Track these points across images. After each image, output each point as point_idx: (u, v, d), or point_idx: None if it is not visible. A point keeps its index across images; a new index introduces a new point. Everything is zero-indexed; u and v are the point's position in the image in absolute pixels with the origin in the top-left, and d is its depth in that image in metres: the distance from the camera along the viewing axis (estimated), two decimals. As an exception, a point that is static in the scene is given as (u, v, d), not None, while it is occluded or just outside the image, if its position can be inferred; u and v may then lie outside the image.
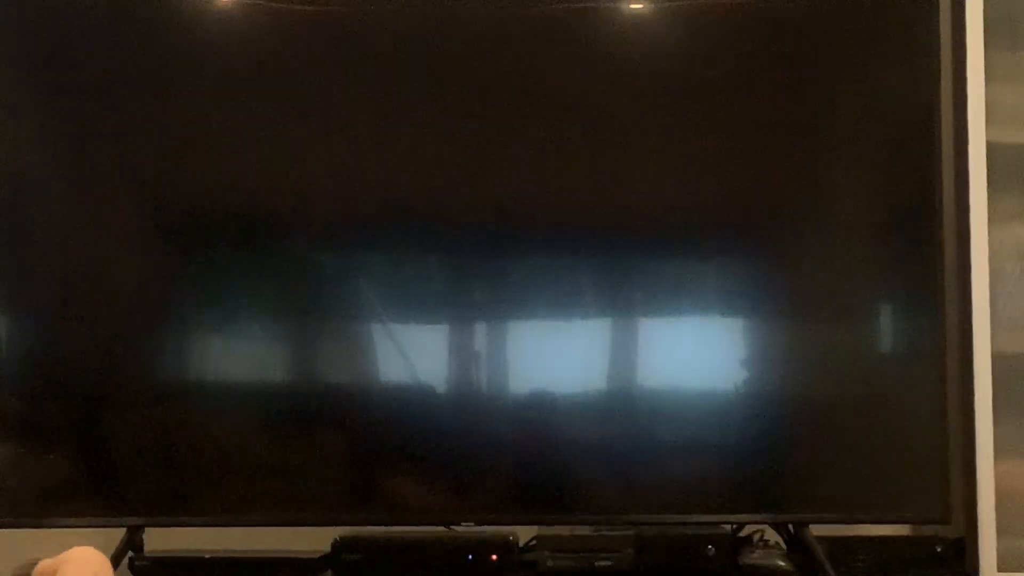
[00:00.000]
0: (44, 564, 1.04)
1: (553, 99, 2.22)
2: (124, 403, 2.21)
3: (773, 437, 2.18)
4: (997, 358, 2.16)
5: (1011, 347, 2.18)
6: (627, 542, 2.15)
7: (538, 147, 2.23)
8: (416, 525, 2.21)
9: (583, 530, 2.20)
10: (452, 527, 2.21)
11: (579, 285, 2.23)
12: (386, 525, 2.21)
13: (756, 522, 2.23)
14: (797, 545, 2.18)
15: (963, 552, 2.19)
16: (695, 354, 2.20)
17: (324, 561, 2.18)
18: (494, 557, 2.15)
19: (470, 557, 2.15)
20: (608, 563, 2.14)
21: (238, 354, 2.23)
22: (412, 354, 2.20)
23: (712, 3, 2.22)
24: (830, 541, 2.18)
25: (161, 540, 2.22)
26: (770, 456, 2.18)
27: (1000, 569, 2.14)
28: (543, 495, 2.19)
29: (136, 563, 2.16)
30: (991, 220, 2.16)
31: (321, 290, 2.22)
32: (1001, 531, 2.15)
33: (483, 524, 2.19)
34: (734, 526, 2.22)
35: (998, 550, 2.14)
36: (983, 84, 2.16)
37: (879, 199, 2.22)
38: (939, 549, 2.20)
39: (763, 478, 2.18)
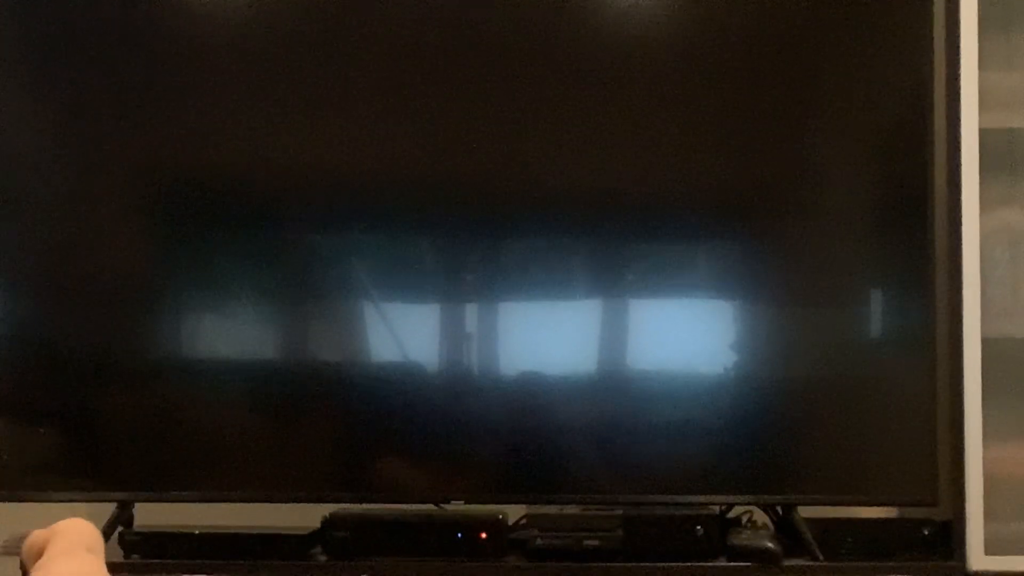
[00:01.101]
0: (35, 535, 1.04)
1: (546, 83, 2.22)
2: (116, 380, 2.22)
3: (763, 419, 2.19)
4: (987, 343, 2.16)
5: (1001, 332, 2.19)
6: (616, 522, 2.15)
7: (531, 129, 2.23)
8: (406, 503, 2.21)
9: (572, 509, 2.21)
10: (442, 505, 2.21)
11: (570, 267, 2.23)
12: (376, 503, 2.21)
13: (745, 503, 2.24)
14: (786, 526, 2.19)
15: (950, 535, 2.19)
16: (685, 337, 2.20)
17: (314, 538, 2.18)
18: (483, 535, 2.15)
19: (459, 535, 2.15)
20: (597, 542, 2.15)
21: (229, 332, 2.24)
22: (403, 334, 2.20)
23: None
24: (818, 523, 2.18)
25: (151, 515, 2.23)
26: (759, 438, 2.18)
27: (987, 553, 2.15)
28: (533, 475, 2.20)
29: (126, 538, 2.17)
30: (982, 205, 2.16)
31: (313, 270, 2.23)
32: (988, 515, 2.15)
33: (473, 503, 2.20)
34: (723, 507, 2.23)
35: (985, 534, 2.15)
36: (976, 70, 2.16)
37: (871, 184, 2.22)
38: (927, 532, 2.20)
39: (752, 460, 2.19)
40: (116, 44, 2.24)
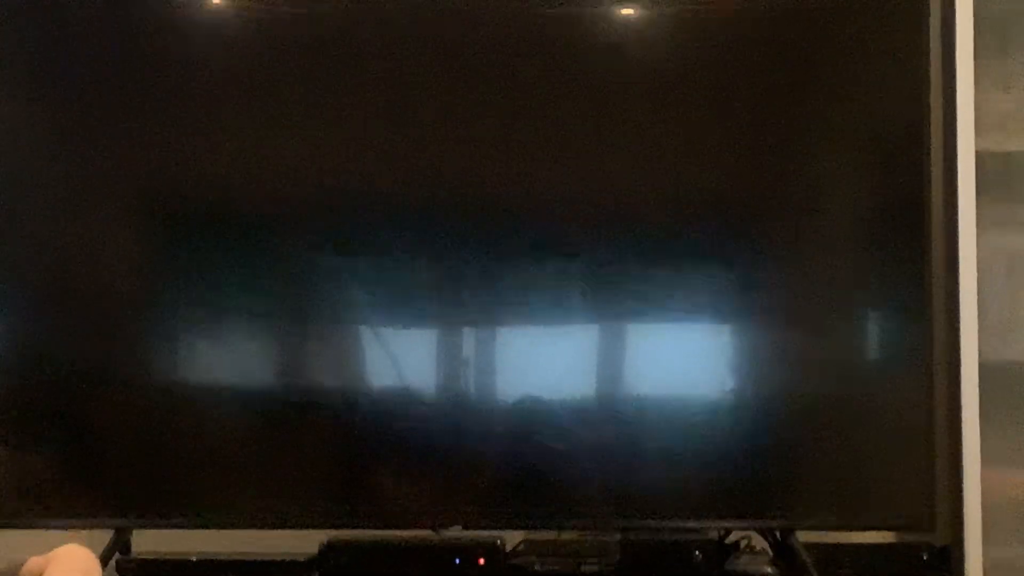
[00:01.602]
0: (32, 561, 1.04)
1: (542, 103, 2.22)
2: (112, 404, 2.21)
3: (761, 443, 2.17)
4: (984, 366, 2.15)
5: (998, 355, 2.19)
6: (614, 547, 2.15)
7: (528, 151, 2.23)
8: (404, 529, 2.21)
9: (570, 535, 2.20)
10: (439, 531, 2.21)
11: (568, 292, 2.22)
12: (374, 528, 2.21)
13: (743, 528, 2.23)
14: (784, 552, 2.18)
15: (949, 560, 2.19)
16: (683, 360, 2.20)
17: (312, 564, 2.18)
18: (481, 561, 2.15)
19: (457, 561, 2.15)
20: (595, 568, 2.15)
21: (227, 356, 2.23)
22: (401, 358, 2.20)
23: (700, 12, 2.22)
24: (817, 548, 2.17)
25: (149, 542, 2.22)
26: (757, 462, 2.17)
27: (986, 577, 2.15)
28: (530, 500, 2.19)
29: (123, 565, 2.16)
30: (979, 228, 2.16)
31: (311, 292, 2.22)
32: (987, 540, 2.14)
33: (470, 528, 2.19)
34: (721, 532, 2.22)
35: (984, 559, 2.14)
36: (972, 91, 2.16)
37: (868, 206, 2.21)
38: (925, 557, 2.20)
39: (750, 484, 2.18)
40: (114, 62, 2.24)
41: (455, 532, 2.19)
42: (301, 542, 2.20)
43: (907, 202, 2.16)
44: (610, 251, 2.21)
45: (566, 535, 2.20)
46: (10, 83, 2.26)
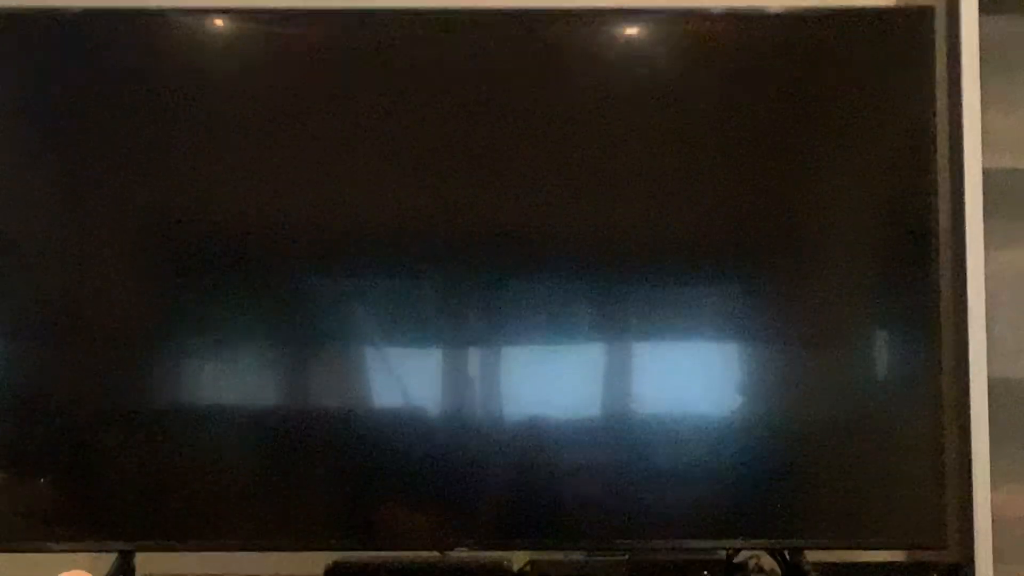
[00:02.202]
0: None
1: (548, 124, 2.22)
2: (115, 428, 2.21)
3: (769, 463, 2.17)
4: (993, 384, 2.15)
5: (1007, 372, 2.18)
6: (621, 568, 2.14)
7: (533, 172, 2.23)
8: (410, 550, 2.20)
9: (578, 556, 2.19)
10: (446, 553, 2.20)
11: (575, 311, 2.22)
12: (380, 550, 2.20)
13: (751, 547, 2.22)
14: (792, 571, 2.18)
15: (959, 578, 2.19)
16: (690, 380, 2.20)
17: (317, 586, 2.18)
18: (488, 582, 2.15)
19: (464, 582, 2.15)
20: (602, 588, 2.14)
21: (231, 379, 2.23)
22: (406, 379, 2.19)
23: (706, 32, 2.23)
24: (826, 567, 2.17)
25: (153, 564, 2.21)
26: (766, 482, 2.17)
27: (996, 596, 2.14)
28: (537, 521, 2.18)
29: (127, 587, 2.16)
30: (987, 246, 2.16)
31: (314, 315, 2.22)
32: (998, 557, 2.14)
33: (477, 550, 2.18)
34: (729, 552, 2.22)
35: (995, 577, 2.14)
36: (979, 110, 2.16)
37: (875, 225, 2.22)
38: (935, 575, 2.20)
39: (758, 504, 2.18)
40: (114, 92, 2.24)
41: (461, 554, 2.18)
42: (306, 564, 2.19)
43: (915, 221, 2.16)
44: (617, 271, 2.21)
45: (573, 556, 2.19)
46: (10, 112, 2.26)
